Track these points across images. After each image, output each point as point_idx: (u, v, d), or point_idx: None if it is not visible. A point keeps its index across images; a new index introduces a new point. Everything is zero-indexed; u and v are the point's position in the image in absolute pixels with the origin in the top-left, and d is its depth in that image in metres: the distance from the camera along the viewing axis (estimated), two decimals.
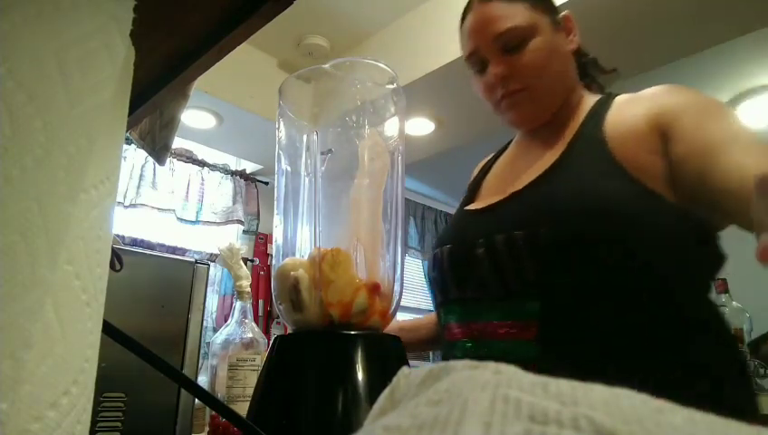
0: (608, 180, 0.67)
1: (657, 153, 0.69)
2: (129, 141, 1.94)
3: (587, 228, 0.64)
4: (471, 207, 0.84)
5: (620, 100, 0.79)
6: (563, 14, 0.84)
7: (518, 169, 0.83)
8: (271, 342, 0.53)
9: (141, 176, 2.83)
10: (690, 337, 0.64)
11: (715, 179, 0.62)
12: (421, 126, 2.66)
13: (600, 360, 0.63)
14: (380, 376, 0.44)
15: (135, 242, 2.74)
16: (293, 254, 0.54)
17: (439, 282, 0.80)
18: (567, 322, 0.64)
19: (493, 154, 0.99)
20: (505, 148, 0.96)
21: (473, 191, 0.92)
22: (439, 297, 0.81)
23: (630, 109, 0.75)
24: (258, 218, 3.35)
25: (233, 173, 3.31)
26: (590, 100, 0.82)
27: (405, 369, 0.22)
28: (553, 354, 0.64)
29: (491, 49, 0.80)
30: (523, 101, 0.81)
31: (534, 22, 0.79)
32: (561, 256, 0.65)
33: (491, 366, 0.19)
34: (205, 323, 1.13)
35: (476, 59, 0.82)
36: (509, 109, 0.82)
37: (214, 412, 0.93)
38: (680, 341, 0.64)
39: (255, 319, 3.24)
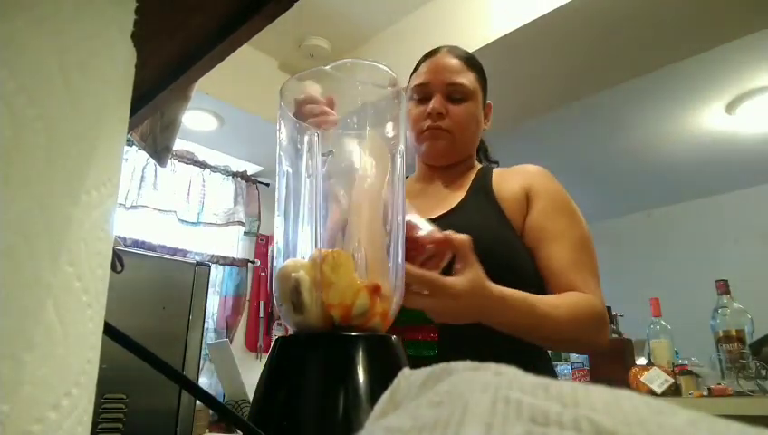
0: (498, 224, 0.93)
1: (523, 215, 0.95)
2: (130, 143, 1.94)
3: (490, 252, 0.78)
4: None
5: (497, 171, 1.04)
6: (488, 102, 1.08)
7: (429, 196, 1.04)
8: (272, 343, 0.53)
9: (142, 177, 2.83)
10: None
11: (539, 257, 0.91)
12: None
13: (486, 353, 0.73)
14: (381, 377, 0.44)
15: (136, 243, 2.74)
16: (294, 255, 0.54)
17: None
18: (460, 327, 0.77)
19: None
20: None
21: None
22: None
23: (510, 178, 0.99)
24: (259, 220, 3.36)
25: (234, 174, 3.31)
26: (477, 165, 1.08)
27: (406, 370, 0.22)
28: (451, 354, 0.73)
29: (440, 89, 0.99)
30: (444, 139, 1.00)
31: (477, 91, 1.02)
32: None
33: (492, 368, 0.19)
34: (206, 324, 1.13)
35: (423, 91, 1.01)
36: (431, 138, 1.00)
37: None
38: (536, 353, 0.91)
39: (256, 320, 3.26)
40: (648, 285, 2.91)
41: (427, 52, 1.07)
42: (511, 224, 0.93)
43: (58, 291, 0.23)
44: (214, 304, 3.02)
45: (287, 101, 0.57)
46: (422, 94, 1.01)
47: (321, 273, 0.48)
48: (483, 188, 0.99)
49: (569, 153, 3.32)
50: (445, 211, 0.96)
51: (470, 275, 0.68)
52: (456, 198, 0.99)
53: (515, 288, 0.76)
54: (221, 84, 2.45)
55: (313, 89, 0.66)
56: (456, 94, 0.99)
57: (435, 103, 0.98)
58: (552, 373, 1.02)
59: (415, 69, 1.07)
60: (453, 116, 0.98)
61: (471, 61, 1.04)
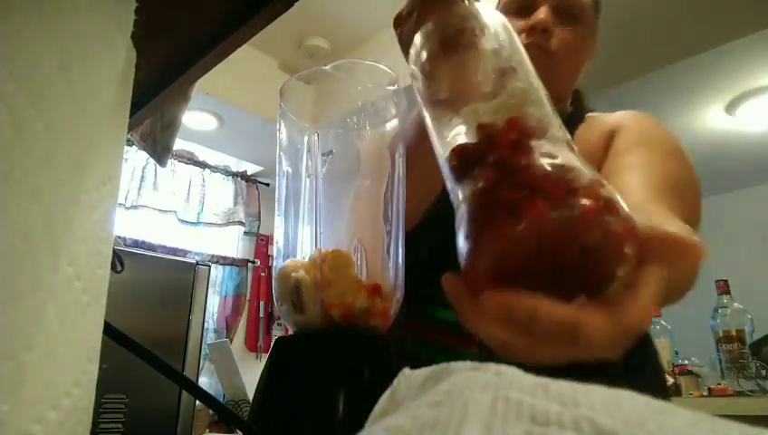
0: None
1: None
2: (130, 143, 1.94)
3: None
4: None
5: (589, 116, 0.82)
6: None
7: None
8: (272, 343, 0.53)
9: (142, 177, 2.83)
10: None
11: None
12: None
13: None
14: (382, 377, 0.44)
15: (136, 243, 2.74)
16: (294, 255, 0.54)
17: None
18: None
19: None
20: None
21: None
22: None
23: (598, 126, 0.77)
24: (259, 220, 3.36)
25: (234, 174, 3.31)
26: (568, 107, 0.85)
27: (406, 370, 0.22)
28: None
29: (548, 1, 0.75)
30: (543, 64, 0.77)
31: (591, 15, 0.78)
32: None
33: (492, 368, 0.19)
34: (206, 324, 1.13)
35: (526, 1, 0.77)
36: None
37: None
38: None
39: (257, 320, 3.25)
40: None
41: None
42: None
43: (58, 291, 0.23)
44: (214, 304, 3.02)
45: (287, 101, 0.57)
46: (522, 2, 0.77)
47: (321, 273, 0.48)
48: None
49: None
50: None
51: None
52: None
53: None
54: (221, 84, 2.45)
55: None
56: (570, 9, 0.75)
57: (542, 15, 0.73)
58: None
59: None
60: (561, 38, 0.74)
61: None
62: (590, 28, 0.78)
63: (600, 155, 0.71)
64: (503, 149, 0.28)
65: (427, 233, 0.73)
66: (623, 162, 0.66)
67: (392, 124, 0.59)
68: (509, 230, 0.26)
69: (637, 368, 0.67)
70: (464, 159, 0.30)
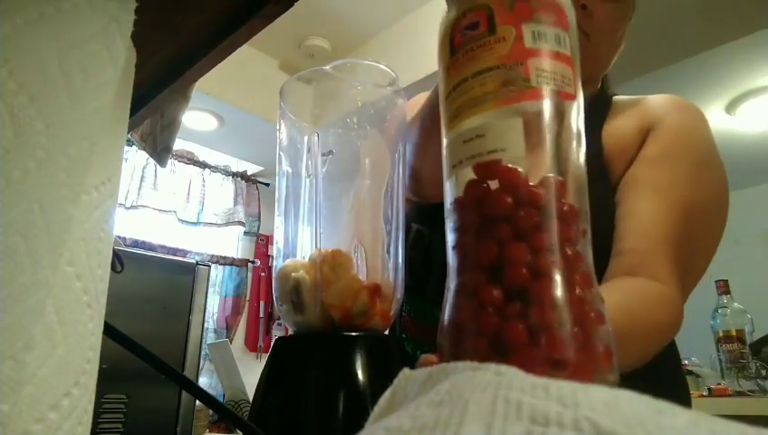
0: (598, 183, 0.64)
1: (628, 163, 0.67)
2: (130, 143, 1.94)
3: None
4: None
5: (620, 100, 0.76)
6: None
7: None
8: (272, 343, 0.53)
9: (142, 177, 2.83)
10: None
11: (616, 216, 0.61)
12: None
13: None
14: (381, 377, 0.44)
15: (136, 243, 2.74)
16: (294, 255, 0.54)
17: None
18: None
19: None
20: None
21: None
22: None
23: (630, 112, 0.72)
24: (259, 220, 3.36)
25: (234, 174, 3.31)
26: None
27: (406, 370, 0.22)
28: None
29: None
30: (580, 41, 0.73)
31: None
32: None
33: (492, 368, 0.19)
34: (206, 324, 1.13)
35: None
36: None
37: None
38: None
39: (256, 320, 3.25)
40: None
41: None
42: (609, 176, 0.65)
43: (58, 291, 0.23)
44: (214, 304, 3.02)
45: (287, 101, 0.57)
46: None
47: (321, 273, 0.48)
48: (593, 124, 0.68)
49: None
50: None
51: None
52: None
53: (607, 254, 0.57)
54: (221, 84, 2.45)
55: None
56: None
57: None
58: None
59: None
60: (601, 17, 0.67)
61: None
62: (629, 7, 0.73)
63: (633, 153, 0.67)
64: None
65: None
66: (646, 177, 0.63)
67: (392, 124, 0.59)
68: None
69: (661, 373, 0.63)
70: None
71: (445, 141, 0.30)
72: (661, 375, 0.62)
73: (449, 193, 0.29)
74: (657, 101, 0.73)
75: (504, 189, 0.26)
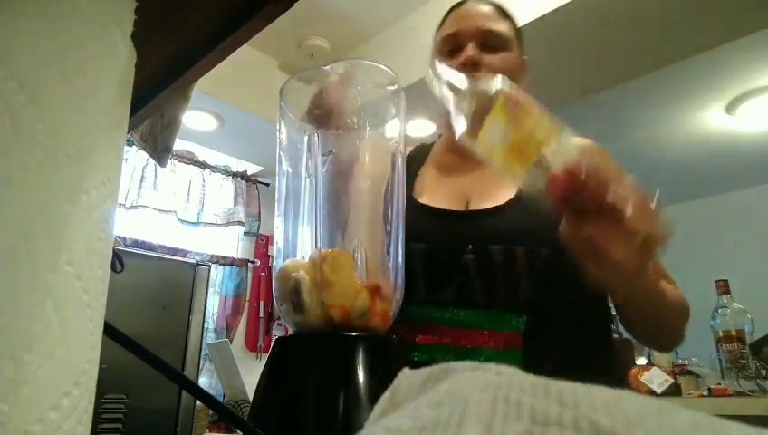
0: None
1: None
2: (130, 143, 1.94)
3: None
4: (430, 203, 0.84)
5: None
6: (525, 57, 0.91)
7: (471, 176, 0.86)
8: (272, 343, 0.53)
9: (142, 177, 2.83)
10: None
11: None
12: (422, 127, 2.66)
13: (569, 371, 0.63)
14: (381, 378, 0.44)
15: (136, 243, 2.74)
16: (294, 255, 0.54)
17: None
18: (546, 335, 0.72)
19: (413, 147, 1.00)
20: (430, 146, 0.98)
21: (411, 182, 0.91)
22: None
23: None
24: (259, 220, 3.36)
25: (234, 174, 3.31)
26: None
27: (406, 370, 0.22)
28: (533, 367, 0.64)
29: (472, 37, 0.84)
30: None
31: (513, 41, 0.87)
32: (557, 273, 0.71)
33: (492, 368, 0.19)
34: (206, 324, 1.13)
35: (453, 41, 0.86)
36: None
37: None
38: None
39: (256, 320, 3.25)
40: None
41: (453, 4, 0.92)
42: None
43: (58, 291, 0.23)
44: (214, 304, 3.02)
45: (287, 101, 0.57)
46: (452, 45, 0.86)
47: (321, 273, 0.48)
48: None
49: None
50: (501, 202, 0.79)
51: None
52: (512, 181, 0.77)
53: (592, 296, 0.69)
54: (221, 84, 2.44)
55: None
56: (492, 42, 0.84)
57: (468, 51, 0.82)
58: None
59: (440, 24, 0.93)
60: (489, 66, 0.82)
61: (504, 10, 0.90)
62: (514, 52, 0.87)
63: None
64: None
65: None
66: None
67: (392, 124, 0.59)
68: None
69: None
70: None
71: None
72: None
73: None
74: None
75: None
